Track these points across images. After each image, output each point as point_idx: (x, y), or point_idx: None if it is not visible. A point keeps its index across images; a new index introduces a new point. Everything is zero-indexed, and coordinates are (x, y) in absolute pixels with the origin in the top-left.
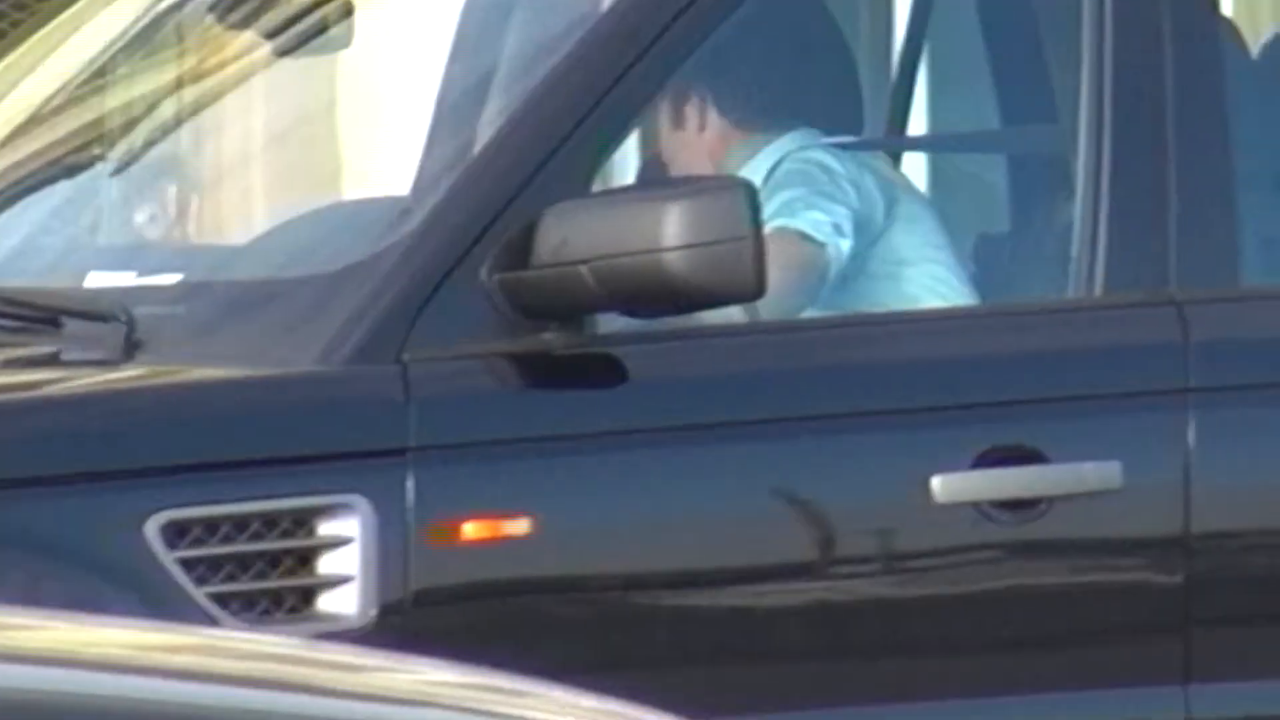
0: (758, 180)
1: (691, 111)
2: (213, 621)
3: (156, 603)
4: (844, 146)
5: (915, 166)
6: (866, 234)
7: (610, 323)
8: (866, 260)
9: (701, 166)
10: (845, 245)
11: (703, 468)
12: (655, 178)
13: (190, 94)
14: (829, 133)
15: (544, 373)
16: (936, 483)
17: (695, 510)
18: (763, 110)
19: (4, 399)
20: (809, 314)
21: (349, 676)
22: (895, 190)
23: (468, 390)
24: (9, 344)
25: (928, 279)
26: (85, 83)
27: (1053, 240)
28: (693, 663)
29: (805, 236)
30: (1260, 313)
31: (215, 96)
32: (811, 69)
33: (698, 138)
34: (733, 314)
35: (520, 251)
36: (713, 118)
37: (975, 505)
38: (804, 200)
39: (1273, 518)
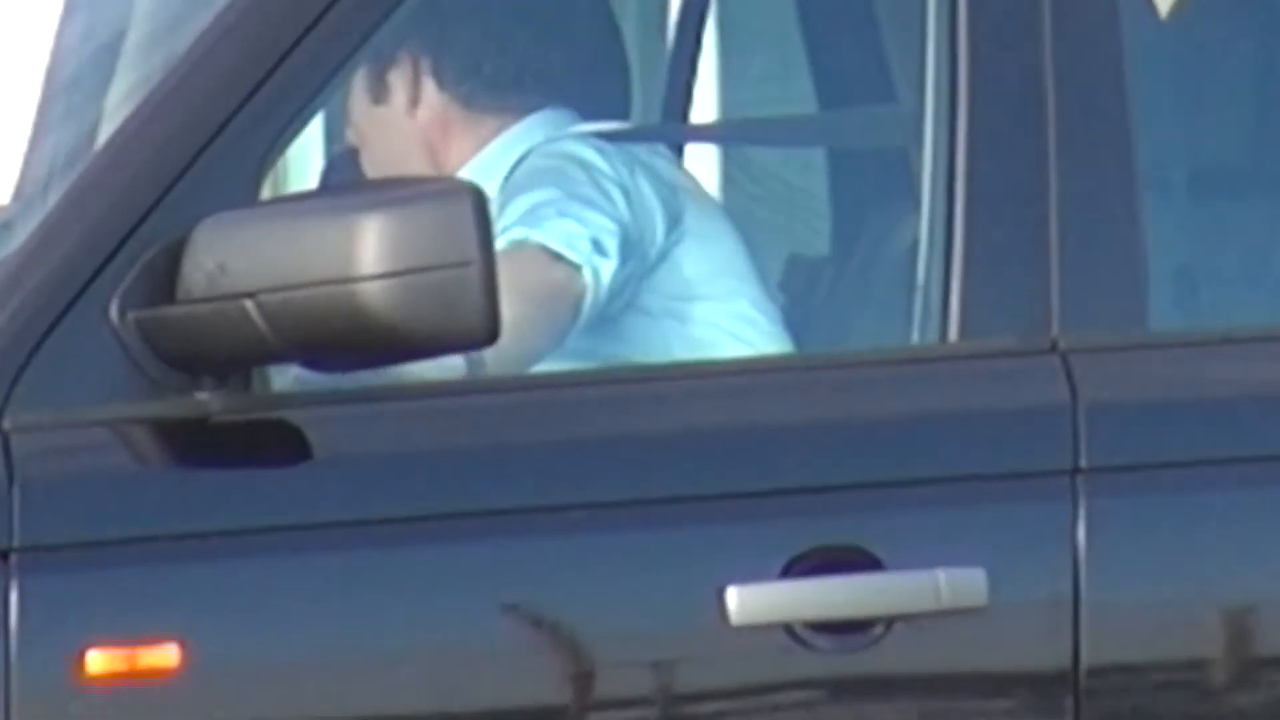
0: (493, 180)
1: (399, 80)
2: None
3: None
4: (612, 136)
5: (704, 164)
6: (639, 256)
7: (287, 377)
8: (640, 292)
9: (412, 158)
10: (607, 269)
11: (412, 577)
12: (347, 179)
13: None
14: (588, 116)
15: (197, 445)
16: (733, 597)
17: (401, 635)
18: (500, 81)
19: None
20: (556, 365)
21: None
22: (681, 198)
23: (92, 470)
24: None
25: (724, 318)
26: None
27: (892, 265)
28: None
29: (553, 255)
30: (1172, 366)
31: None
32: (562, 30)
33: (407, 117)
34: (452, 365)
35: (163, 281)
36: (429, 90)
37: (786, 627)
38: (554, 206)
39: (1189, 644)
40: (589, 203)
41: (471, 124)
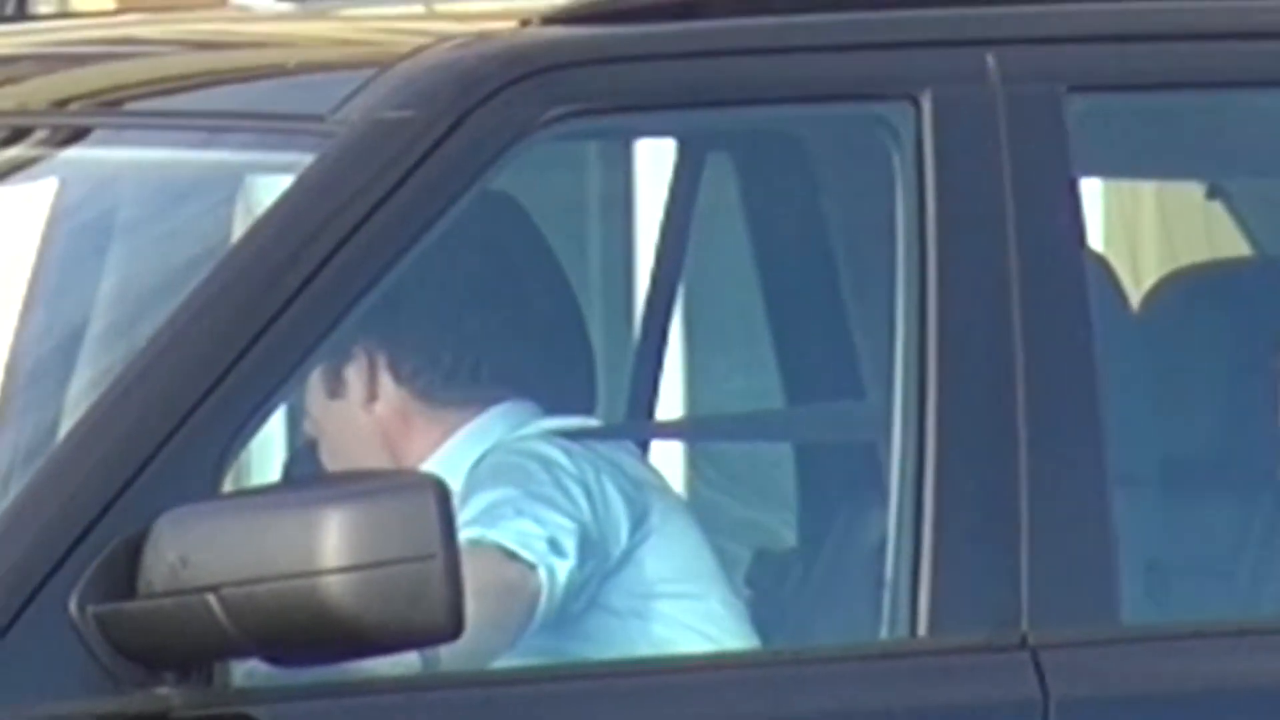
0: (456, 476)
1: (356, 375)
2: None
3: None
4: (577, 434)
5: (667, 458)
6: (600, 555)
7: (250, 673)
8: (604, 591)
9: (372, 453)
10: (563, 568)
11: None
12: (309, 471)
13: None
14: (552, 409)
15: None
16: None
17: None
18: (458, 375)
19: None
20: (519, 662)
21: None
22: (647, 495)
23: None
24: None
25: (689, 616)
26: None
27: (860, 560)
28: None
29: (508, 554)
30: (1145, 661)
31: None
32: (523, 322)
33: (364, 412)
34: (406, 661)
35: (123, 575)
36: (386, 384)
37: None
38: (512, 505)
39: None
40: (548, 502)
41: (431, 418)
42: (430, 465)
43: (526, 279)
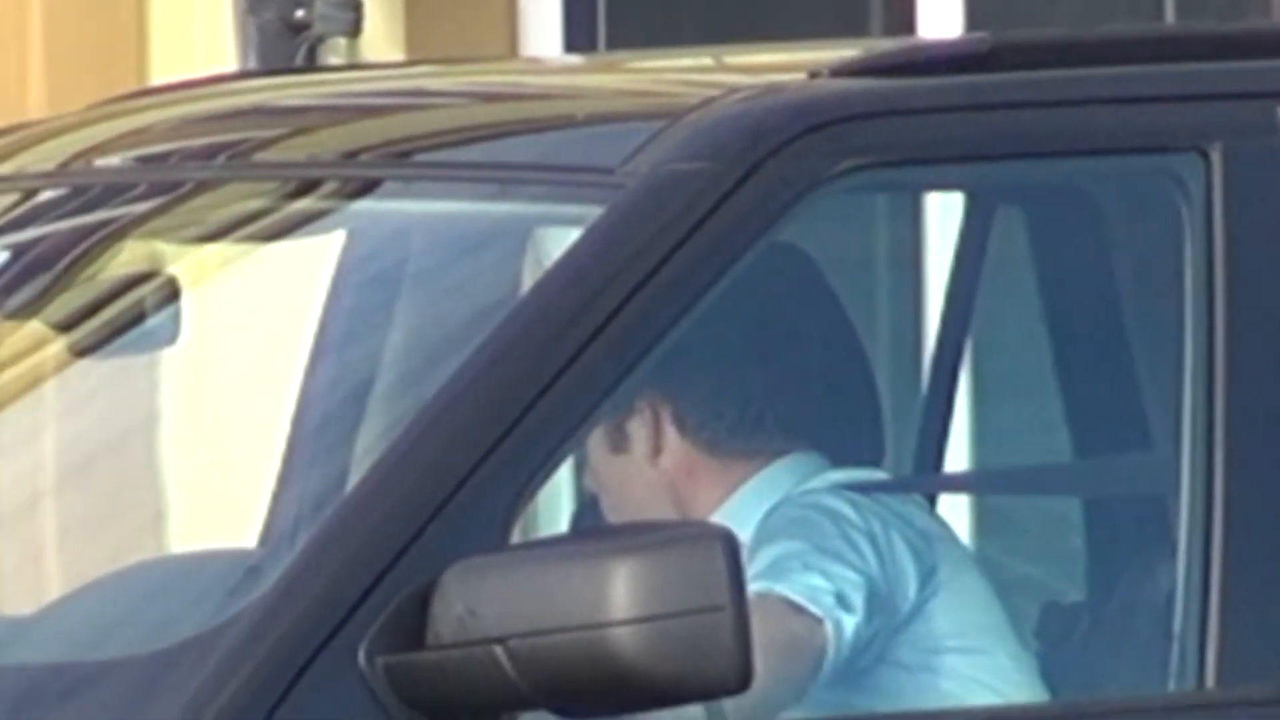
0: (744, 529)
1: (640, 429)
2: None
3: None
4: (866, 486)
5: (954, 509)
6: (888, 610)
7: None
8: (893, 645)
9: (658, 507)
10: (850, 622)
11: None
12: (596, 523)
13: None
14: (839, 461)
15: None
16: None
17: None
18: (743, 427)
19: None
20: (805, 715)
21: None
22: (936, 549)
23: None
24: None
25: (979, 671)
26: None
27: (1148, 612)
28: None
29: (795, 607)
30: None
31: None
32: (811, 372)
33: (650, 466)
34: (690, 715)
35: (412, 626)
36: (671, 438)
37: None
38: (800, 559)
39: None
40: (836, 556)
41: (718, 470)
42: (718, 518)
43: (815, 331)
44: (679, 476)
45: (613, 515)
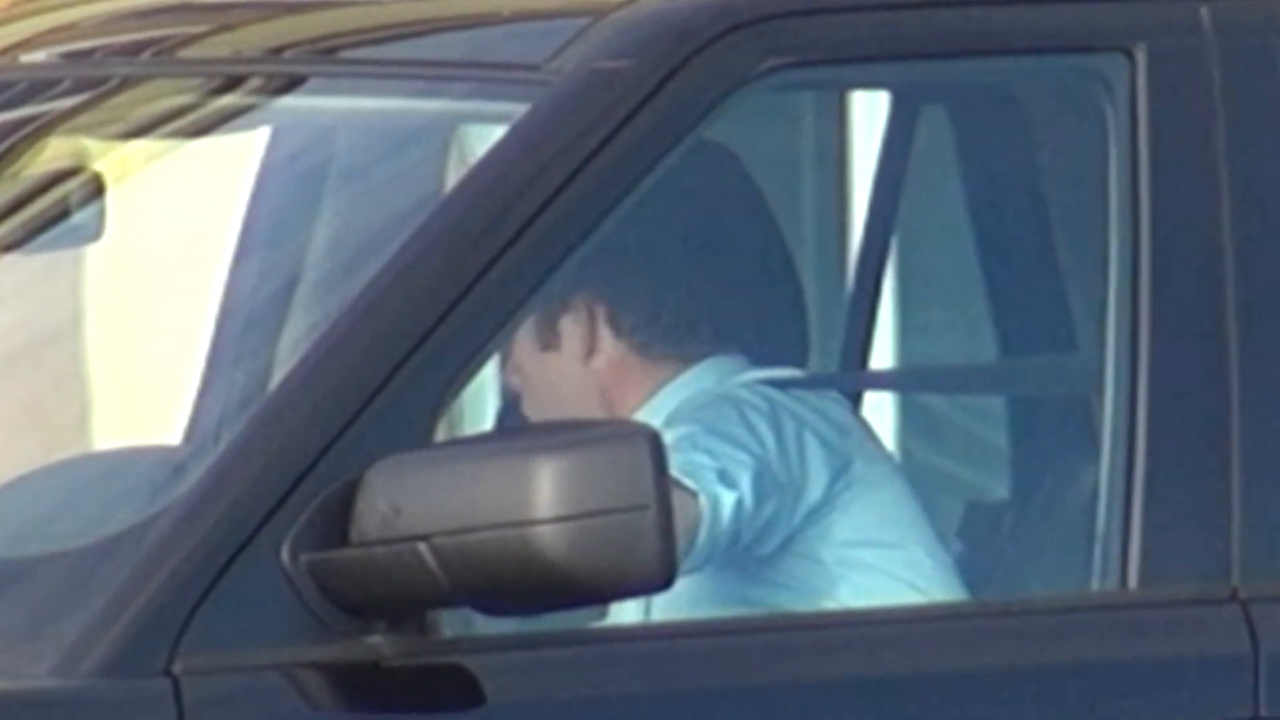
0: (659, 420)
1: (573, 327)
2: None
3: None
4: (784, 383)
5: (877, 410)
6: (790, 498)
7: (461, 622)
8: (810, 540)
9: (584, 405)
10: (729, 498)
11: None
12: (521, 422)
13: None
14: (762, 362)
15: (369, 691)
16: None
17: None
18: (677, 330)
19: None
20: (723, 612)
21: None
22: (852, 445)
23: (263, 715)
24: None
25: (895, 565)
26: None
27: (1071, 513)
28: None
29: (672, 482)
30: None
31: None
32: (739, 273)
33: (581, 364)
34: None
35: (336, 523)
36: (605, 337)
37: None
38: (690, 439)
39: None
40: (728, 438)
41: (647, 370)
42: (638, 416)
43: (742, 231)
44: (609, 377)
45: (535, 413)
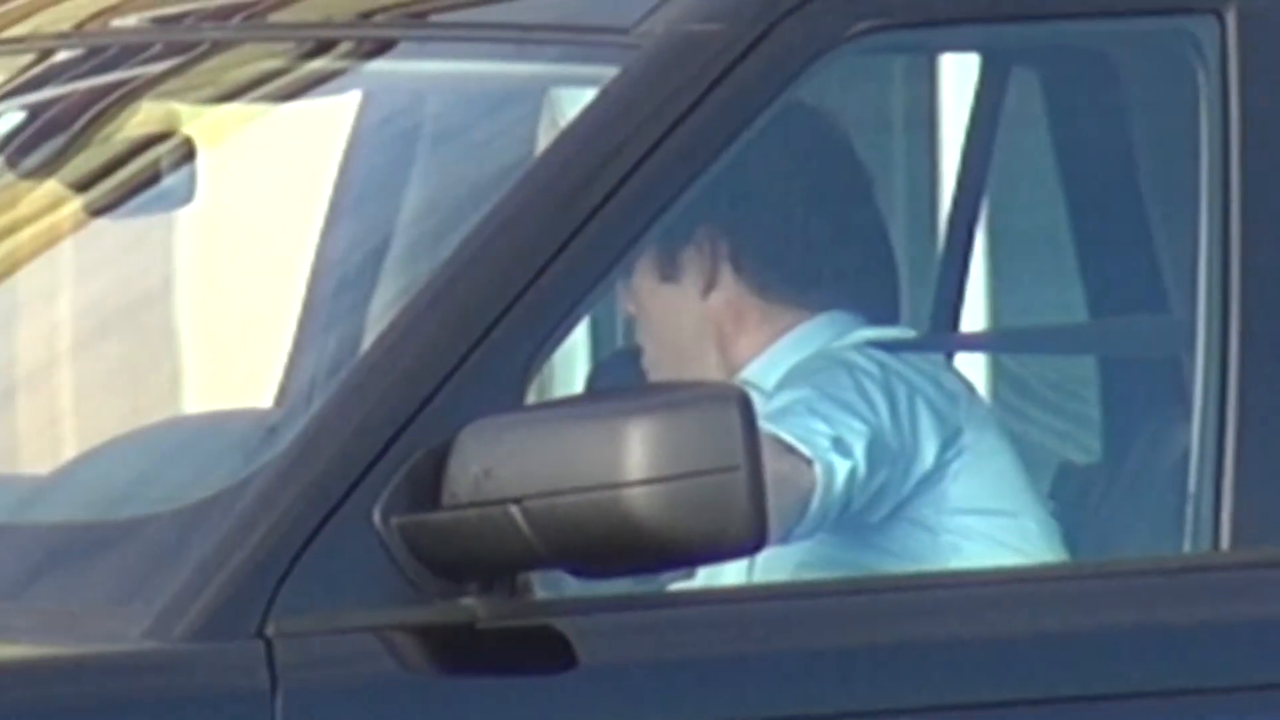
0: (777, 376)
1: (695, 261)
2: None
3: None
4: (897, 345)
5: (970, 370)
6: (902, 465)
7: (553, 584)
8: (918, 506)
9: (700, 343)
10: (843, 467)
11: None
12: (613, 383)
13: None
14: (871, 320)
15: (461, 653)
16: None
17: None
18: (799, 276)
19: None
20: (826, 575)
21: None
22: (961, 411)
23: (356, 677)
24: None
25: (1002, 532)
26: None
27: (1163, 474)
28: None
29: (785, 447)
30: None
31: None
32: (852, 230)
33: (699, 300)
34: (727, 570)
35: (427, 486)
36: (726, 275)
37: None
38: (805, 404)
39: None
40: (844, 405)
41: (767, 316)
42: (756, 365)
43: (847, 191)
44: (725, 315)
45: (649, 344)
